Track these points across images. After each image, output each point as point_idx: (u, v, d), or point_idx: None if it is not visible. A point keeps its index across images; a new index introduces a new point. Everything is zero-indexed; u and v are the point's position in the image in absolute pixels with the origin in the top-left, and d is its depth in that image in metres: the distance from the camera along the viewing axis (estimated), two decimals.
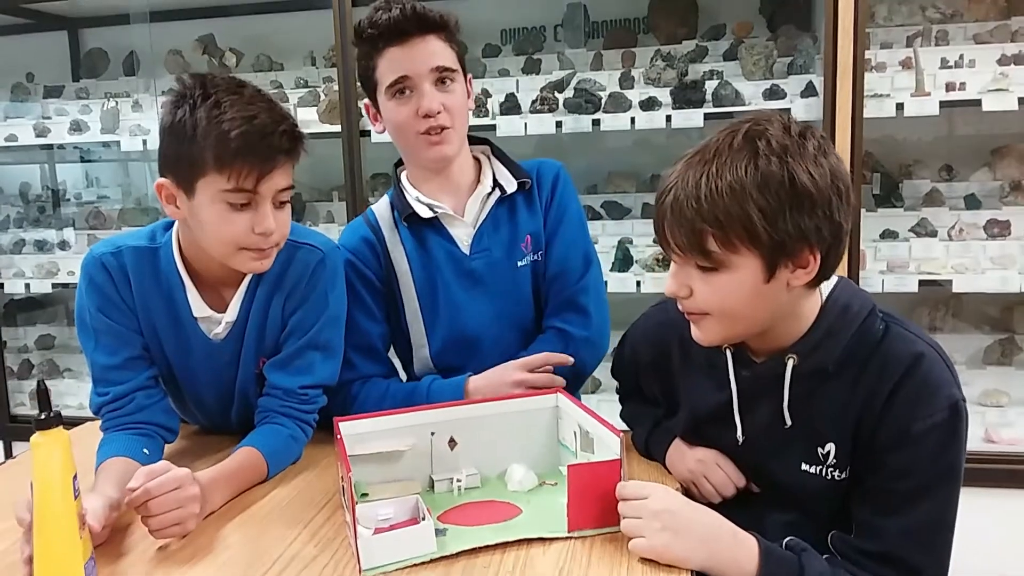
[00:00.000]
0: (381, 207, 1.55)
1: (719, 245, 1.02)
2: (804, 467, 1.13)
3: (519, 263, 1.50)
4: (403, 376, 1.58)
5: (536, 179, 1.53)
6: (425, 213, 1.47)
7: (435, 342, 1.51)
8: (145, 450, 1.28)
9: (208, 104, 1.19)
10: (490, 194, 1.50)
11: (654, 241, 2.68)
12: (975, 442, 2.37)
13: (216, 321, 1.37)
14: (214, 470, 1.22)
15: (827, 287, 1.12)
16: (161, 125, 1.25)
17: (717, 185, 1.00)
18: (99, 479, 1.19)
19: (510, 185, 1.50)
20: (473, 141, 1.55)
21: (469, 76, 1.49)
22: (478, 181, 1.52)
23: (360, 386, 1.49)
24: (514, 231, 1.50)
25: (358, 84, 2.59)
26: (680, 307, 1.13)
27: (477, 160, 1.55)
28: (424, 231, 1.49)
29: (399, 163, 1.57)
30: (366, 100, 1.49)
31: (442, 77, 1.40)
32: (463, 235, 1.49)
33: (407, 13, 1.36)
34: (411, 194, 1.50)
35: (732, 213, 1.00)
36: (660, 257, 2.54)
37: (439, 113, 1.39)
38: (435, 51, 1.39)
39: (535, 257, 1.51)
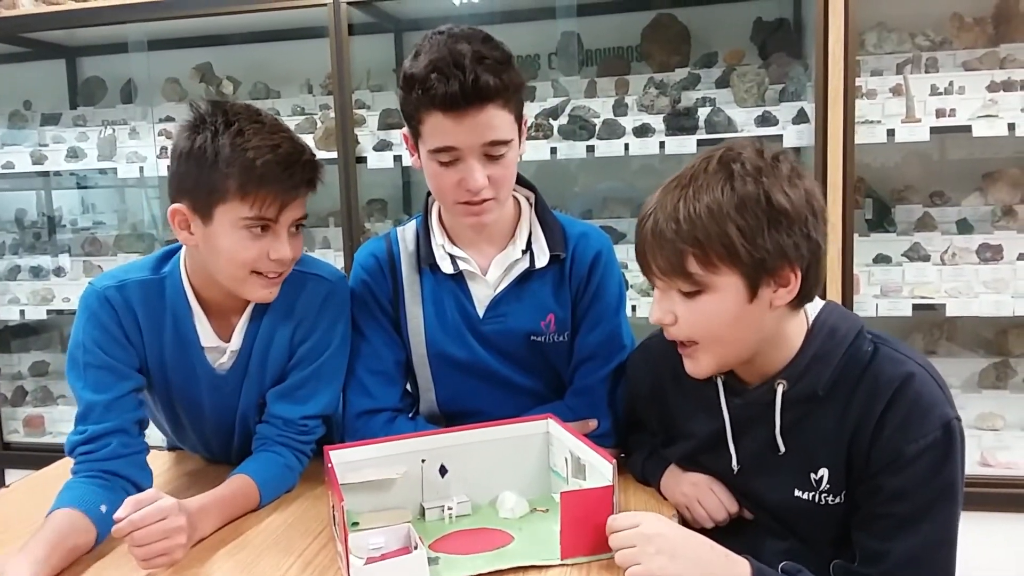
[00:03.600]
0: (407, 237, 1.45)
1: (700, 266, 1.04)
2: (797, 493, 1.13)
3: (534, 337, 1.41)
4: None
5: (572, 255, 1.41)
6: (447, 268, 1.40)
7: (442, 389, 1.46)
8: (103, 506, 1.17)
9: (232, 131, 1.20)
10: (518, 261, 1.40)
11: None
12: (971, 466, 2.36)
13: (222, 351, 1.36)
14: (204, 497, 1.21)
15: (813, 311, 1.13)
16: (176, 150, 1.24)
17: (695, 207, 1.03)
18: (39, 533, 1.11)
19: (542, 257, 1.39)
20: (518, 180, 1.42)
21: (525, 119, 1.34)
22: (512, 235, 1.42)
23: (388, 427, 1.41)
24: (536, 305, 1.40)
25: (354, 111, 2.63)
26: (667, 335, 1.13)
27: (516, 203, 1.44)
28: (444, 280, 1.42)
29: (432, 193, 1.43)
30: (405, 130, 1.34)
31: (493, 150, 1.27)
32: (482, 295, 1.41)
33: (466, 88, 1.19)
34: (437, 239, 1.41)
35: (711, 233, 1.02)
36: None
37: (483, 189, 1.27)
38: (490, 124, 1.23)
39: (559, 338, 1.42)
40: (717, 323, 1.07)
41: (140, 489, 1.25)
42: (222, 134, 1.20)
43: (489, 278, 1.41)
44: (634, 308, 2.51)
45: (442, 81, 1.20)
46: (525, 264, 1.40)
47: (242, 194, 1.19)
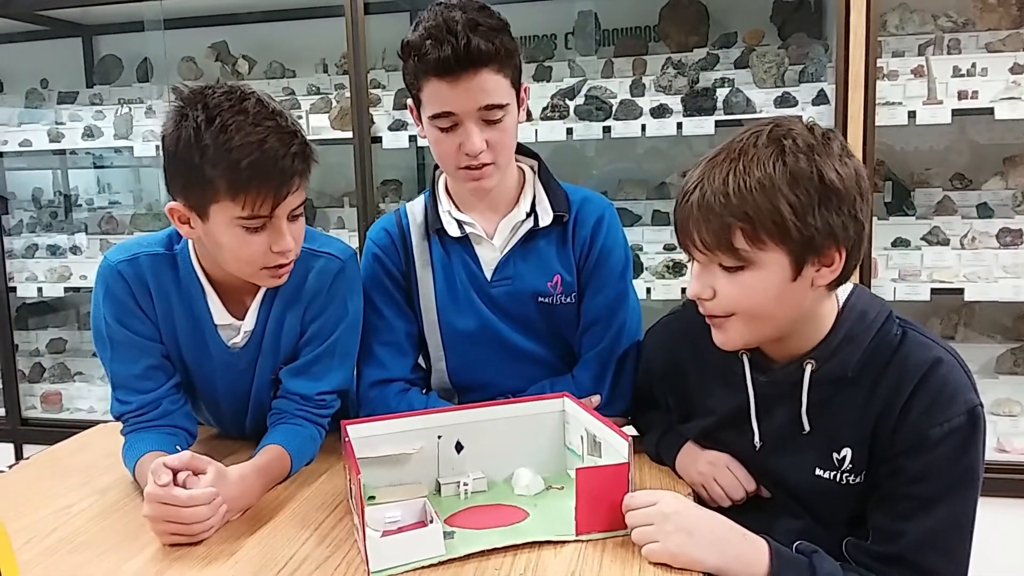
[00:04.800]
0: (416, 209, 1.49)
1: (748, 241, 1.02)
2: (818, 472, 1.13)
3: (541, 299, 1.43)
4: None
5: (575, 217, 1.43)
6: (454, 231, 1.42)
7: (452, 359, 1.48)
8: (178, 447, 1.27)
9: (214, 128, 1.14)
10: (523, 221, 1.42)
11: (664, 248, 2.69)
12: (987, 452, 2.33)
13: (235, 329, 1.36)
14: (246, 466, 1.23)
15: (843, 293, 1.13)
16: (164, 145, 1.20)
17: (746, 181, 1.01)
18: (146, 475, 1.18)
19: (546, 217, 1.42)
20: (522, 150, 1.46)
21: (525, 87, 1.37)
22: (516, 201, 1.44)
23: (401, 396, 1.44)
24: (542, 266, 1.43)
25: (370, 91, 2.63)
26: (702, 309, 1.12)
27: (521, 172, 1.47)
28: (451, 245, 1.44)
29: (439, 166, 1.45)
30: (410, 100, 1.38)
31: (490, 114, 1.29)
32: (488, 258, 1.43)
33: (459, 52, 1.22)
34: (443, 206, 1.44)
35: (762, 208, 1.01)
36: (670, 264, 2.54)
37: (482, 152, 1.30)
38: (485, 88, 1.26)
39: (566, 299, 1.43)
40: (758, 299, 1.06)
41: (193, 436, 1.39)
42: (204, 131, 1.14)
43: (496, 241, 1.43)
44: (649, 291, 2.50)
45: (436, 47, 1.23)
46: (530, 224, 1.42)
47: (232, 195, 1.16)
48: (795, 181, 1.01)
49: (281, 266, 1.26)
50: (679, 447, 1.30)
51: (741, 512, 1.17)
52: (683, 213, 1.07)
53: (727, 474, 1.22)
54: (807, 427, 1.12)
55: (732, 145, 1.06)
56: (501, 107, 1.29)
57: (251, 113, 1.17)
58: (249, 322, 1.36)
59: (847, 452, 1.10)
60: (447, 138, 1.31)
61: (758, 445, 1.18)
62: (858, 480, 1.10)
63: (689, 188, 1.07)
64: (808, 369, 1.10)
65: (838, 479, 1.11)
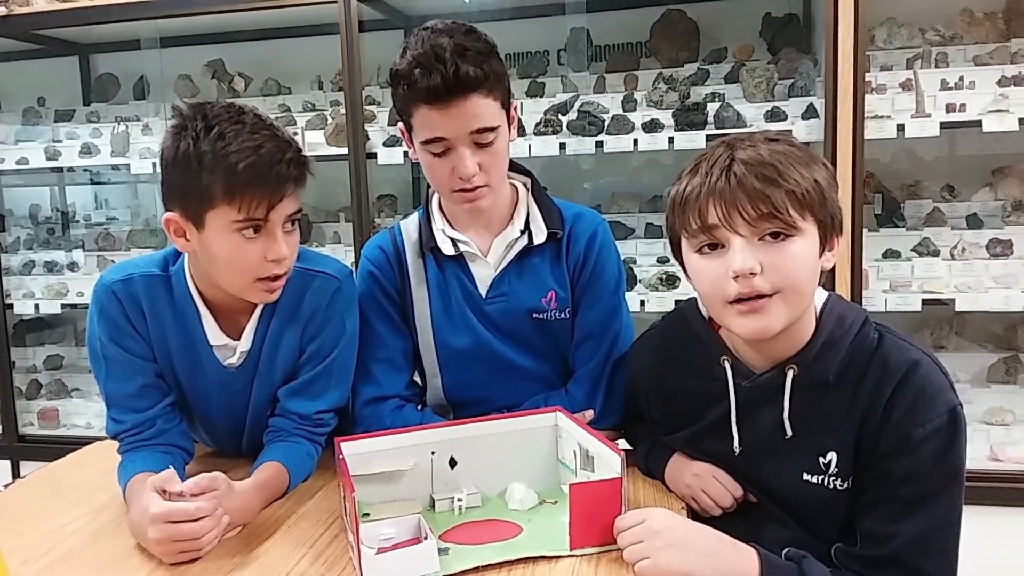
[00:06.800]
0: (410, 227, 1.50)
1: (795, 208, 1.05)
2: (805, 477, 1.14)
3: (536, 315, 1.44)
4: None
5: (568, 234, 1.45)
6: (448, 250, 1.44)
7: (448, 375, 1.50)
8: (171, 466, 1.25)
9: (212, 136, 1.18)
10: (517, 239, 1.44)
11: (658, 260, 2.70)
12: (980, 460, 2.36)
13: (231, 349, 1.37)
14: (247, 483, 1.24)
15: (819, 300, 1.15)
16: (163, 158, 1.24)
17: (785, 156, 1.06)
18: (131, 498, 1.21)
19: (539, 235, 1.43)
20: (515, 168, 1.48)
21: (514, 105, 1.38)
22: (510, 219, 1.46)
23: (396, 413, 1.45)
24: (536, 282, 1.44)
25: (365, 107, 2.65)
26: (748, 290, 1.06)
27: (514, 188, 1.48)
28: (446, 263, 1.46)
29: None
30: (400, 125, 1.39)
31: (481, 137, 1.31)
32: (483, 275, 1.45)
33: (448, 80, 1.23)
34: (437, 224, 1.46)
35: (806, 177, 1.06)
36: (663, 276, 2.55)
37: (475, 175, 1.31)
38: (476, 112, 1.27)
39: (560, 315, 1.45)
40: (802, 269, 1.06)
41: (189, 453, 1.40)
42: (203, 139, 1.18)
43: (490, 259, 1.45)
44: (642, 303, 2.51)
45: (425, 75, 1.24)
46: (524, 242, 1.44)
47: (229, 198, 1.19)
48: (814, 160, 1.08)
49: (275, 278, 1.27)
50: (667, 460, 1.31)
51: (731, 522, 1.18)
52: (726, 191, 1.05)
53: (714, 483, 1.23)
54: (789, 432, 1.14)
55: (729, 141, 1.10)
56: (492, 130, 1.30)
57: (248, 124, 1.21)
58: (245, 342, 1.37)
59: (832, 456, 1.11)
60: (440, 162, 1.32)
61: (737, 451, 1.19)
62: (846, 486, 1.11)
63: (723, 168, 1.06)
64: (790, 374, 1.12)
65: (826, 483, 1.12)
